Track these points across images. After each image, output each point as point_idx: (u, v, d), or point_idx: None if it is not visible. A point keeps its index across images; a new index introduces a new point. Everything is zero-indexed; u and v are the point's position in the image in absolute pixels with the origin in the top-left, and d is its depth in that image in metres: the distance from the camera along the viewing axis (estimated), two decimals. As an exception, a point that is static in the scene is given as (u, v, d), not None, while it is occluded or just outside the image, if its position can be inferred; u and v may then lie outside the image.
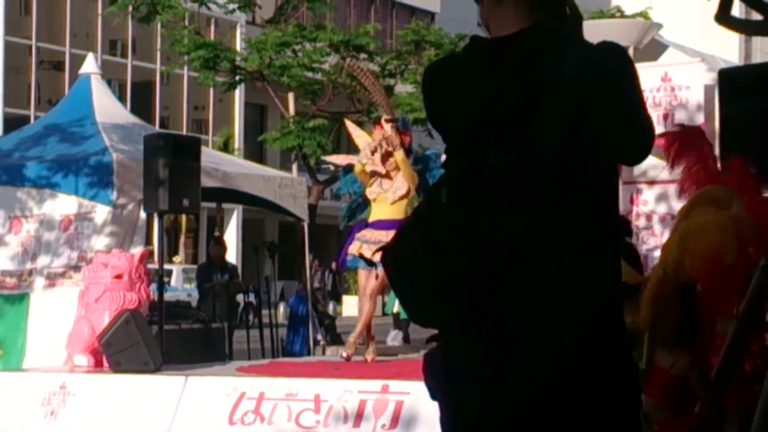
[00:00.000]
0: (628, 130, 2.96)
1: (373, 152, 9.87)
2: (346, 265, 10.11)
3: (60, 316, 11.17)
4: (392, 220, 9.62)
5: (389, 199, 9.78)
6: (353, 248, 9.81)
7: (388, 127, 9.84)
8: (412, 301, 3.05)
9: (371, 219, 9.97)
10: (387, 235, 9.54)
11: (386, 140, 9.74)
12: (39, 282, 12.03)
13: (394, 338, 20.04)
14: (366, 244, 9.69)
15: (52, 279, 11.98)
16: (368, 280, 9.85)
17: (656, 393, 4.90)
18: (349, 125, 11.31)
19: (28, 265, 12.19)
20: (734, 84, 7.27)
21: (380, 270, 9.81)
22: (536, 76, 2.97)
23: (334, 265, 29.59)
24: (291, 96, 25.67)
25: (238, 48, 29.49)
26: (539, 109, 2.94)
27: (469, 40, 3.19)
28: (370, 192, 9.91)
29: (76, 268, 11.48)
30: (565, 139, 2.93)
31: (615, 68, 2.98)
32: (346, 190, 10.96)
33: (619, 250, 3.12)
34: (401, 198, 9.78)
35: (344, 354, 10.01)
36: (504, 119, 2.97)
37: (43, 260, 12.10)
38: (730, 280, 4.93)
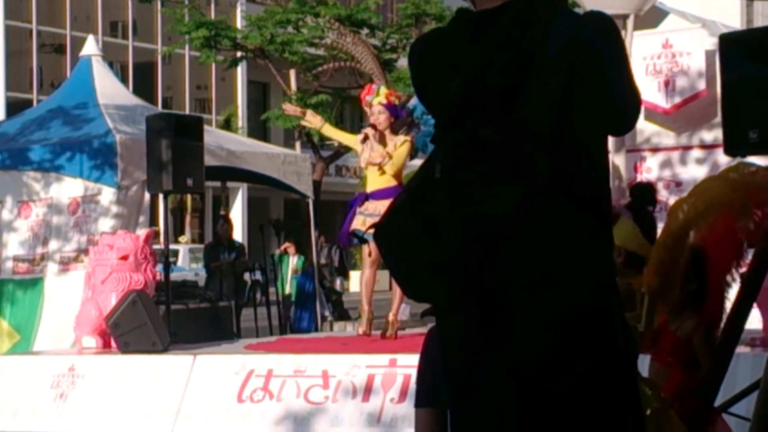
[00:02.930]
0: (612, 103, 2.96)
1: (364, 138, 9.68)
2: (358, 239, 9.82)
3: (74, 299, 11.18)
4: (390, 188, 9.45)
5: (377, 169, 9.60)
6: (357, 223, 9.63)
7: (376, 109, 9.65)
8: (407, 277, 3.05)
9: (369, 189, 9.71)
10: (387, 206, 9.40)
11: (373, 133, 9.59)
12: (52, 266, 12.07)
13: (401, 313, 20.04)
14: (369, 217, 9.46)
15: (65, 263, 12.02)
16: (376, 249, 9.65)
17: (667, 358, 4.91)
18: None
19: (40, 250, 12.21)
20: (735, 49, 7.24)
21: (372, 245, 9.70)
22: (524, 49, 2.97)
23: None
24: (293, 73, 25.63)
25: (238, 26, 29.43)
26: (529, 83, 2.94)
27: (456, 12, 3.18)
28: (363, 160, 9.74)
29: (87, 251, 11.49)
30: (555, 112, 2.93)
31: (600, 39, 2.97)
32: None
33: (610, 220, 3.13)
34: (378, 164, 9.53)
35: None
36: (493, 93, 2.97)
37: (54, 244, 12.13)
38: (740, 244, 4.93)
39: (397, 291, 9.56)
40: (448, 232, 2.93)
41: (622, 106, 2.98)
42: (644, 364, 3.88)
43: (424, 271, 2.98)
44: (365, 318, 9.83)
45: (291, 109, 10.08)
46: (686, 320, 4.91)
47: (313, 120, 10.14)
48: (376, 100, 9.69)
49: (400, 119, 9.76)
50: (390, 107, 9.67)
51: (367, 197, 9.68)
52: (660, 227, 5.40)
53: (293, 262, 17.85)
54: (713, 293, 5.00)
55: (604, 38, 2.98)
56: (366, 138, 9.58)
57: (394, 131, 9.69)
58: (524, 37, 2.97)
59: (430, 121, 9.78)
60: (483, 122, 2.95)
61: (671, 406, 4.75)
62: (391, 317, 9.79)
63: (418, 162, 10.06)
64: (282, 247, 17.87)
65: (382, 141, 9.58)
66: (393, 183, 9.55)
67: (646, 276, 4.83)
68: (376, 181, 9.63)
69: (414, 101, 9.92)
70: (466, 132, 2.97)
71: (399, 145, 9.58)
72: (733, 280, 5.14)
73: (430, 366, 5.49)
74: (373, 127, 9.61)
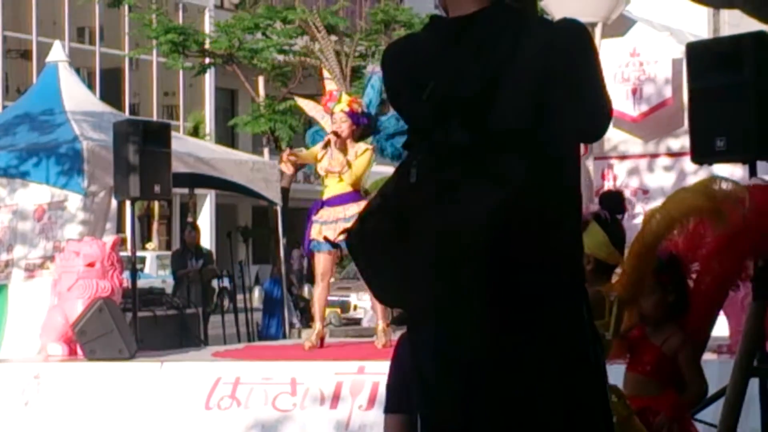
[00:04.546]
0: (585, 110, 2.98)
1: (325, 145, 9.58)
2: (311, 249, 9.77)
3: (39, 306, 11.11)
4: (346, 194, 9.42)
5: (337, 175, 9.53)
6: (314, 232, 9.53)
7: (338, 117, 9.53)
8: (379, 282, 3.04)
9: (326, 196, 9.59)
10: (344, 211, 9.43)
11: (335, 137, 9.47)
12: (17, 273, 11.98)
13: (370, 320, 20.04)
14: (324, 225, 9.43)
15: (31, 270, 11.94)
16: (326, 262, 9.66)
17: (647, 369, 4.92)
18: (300, 102, 10.99)
19: (4, 256, 12.13)
20: (702, 57, 7.29)
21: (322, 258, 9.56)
22: (497, 56, 2.97)
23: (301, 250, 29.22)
24: (261, 79, 25.61)
25: (207, 32, 29.37)
26: (503, 90, 2.94)
27: (429, 19, 3.19)
28: (321, 167, 9.56)
29: (53, 258, 11.42)
30: (529, 118, 2.93)
31: (574, 47, 2.99)
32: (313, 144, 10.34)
33: (580, 225, 3.13)
34: (338, 173, 9.41)
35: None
36: (467, 99, 2.97)
37: (19, 251, 12.04)
38: (731, 259, 4.95)
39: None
40: (422, 236, 2.92)
41: (594, 113, 3.00)
42: (611, 372, 3.87)
43: (397, 276, 2.96)
44: (315, 335, 9.71)
45: (288, 158, 9.92)
46: (672, 336, 4.91)
47: (292, 161, 9.91)
48: (338, 107, 9.57)
49: (361, 126, 9.63)
50: (352, 115, 9.53)
51: (323, 204, 9.60)
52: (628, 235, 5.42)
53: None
54: (697, 308, 5.01)
55: (578, 46, 3.00)
56: (327, 144, 9.54)
57: (355, 139, 9.57)
58: (497, 44, 2.98)
59: (382, 123, 9.73)
60: (458, 127, 2.95)
61: (670, 428, 4.78)
62: (381, 326, 9.58)
63: (377, 168, 10.04)
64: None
65: (343, 149, 9.47)
66: (349, 190, 9.47)
67: (617, 284, 4.84)
68: (333, 188, 9.55)
69: (364, 101, 9.80)
70: (441, 137, 2.97)
71: (360, 153, 9.48)
72: (726, 294, 5.17)
73: (401, 371, 5.48)
74: (336, 134, 9.55)
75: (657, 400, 4.87)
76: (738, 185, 4.93)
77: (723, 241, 4.87)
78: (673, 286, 4.94)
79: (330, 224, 9.36)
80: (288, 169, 9.95)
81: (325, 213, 9.49)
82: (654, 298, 4.92)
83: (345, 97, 9.71)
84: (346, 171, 9.43)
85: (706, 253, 4.95)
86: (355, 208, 9.31)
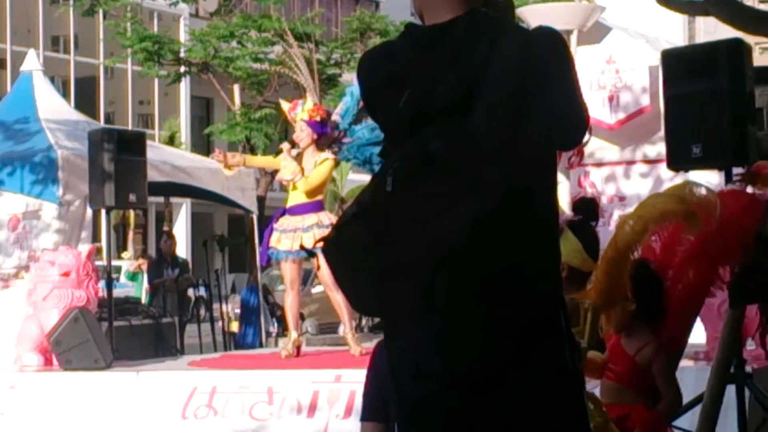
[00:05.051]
0: (561, 118, 2.97)
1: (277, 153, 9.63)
2: (272, 257, 9.75)
3: (14, 316, 11.03)
4: (307, 204, 9.40)
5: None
6: (273, 240, 9.49)
7: (298, 126, 9.52)
8: (356, 291, 3.02)
9: (288, 204, 9.55)
10: (302, 221, 9.43)
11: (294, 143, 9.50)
12: (-8, 283, 11.92)
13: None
14: (284, 233, 9.42)
15: (5, 280, 11.88)
16: (292, 270, 9.63)
17: (623, 379, 4.91)
18: (284, 105, 10.98)
19: (-22, 267, 12.09)
20: (678, 65, 7.31)
21: (290, 266, 9.54)
22: (473, 65, 2.97)
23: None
24: (236, 88, 25.59)
25: (182, 41, 29.33)
26: (479, 98, 2.93)
27: (404, 27, 3.18)
28: (278, 177, 9.64)
29: (28, 267, 11.36)
30: (506, 127, 2.93)
31: (550, 55, 2.98)
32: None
33: (557, 233, 3.13)
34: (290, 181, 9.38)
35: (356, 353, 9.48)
36: (443, 107, 2.96)
37: (-6, 261, 12.00)
38: (706, 268, 4.95)
39: (344, 306, 9.41)
40: (399, 245, 2.91)
41: (570, 121, 3.00)
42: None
43: (374, 285, 2.95)
44: (291, 343, 9.69)
45: (217, 156, 10.02)
46: (646, 346, 4.88)
47: (233, 160, 9.96)
48: (299, 116, 9.51)
49: (326, 135, 9.49)
50: (312, 124, 9.44)
51: (284, 212, 9.59)
52: (602, 241, 5.41)
53: (147, 280, 16.72)
54: (673, 316, 5.00)
55: (554, 54, 2.99)
56: (280, 152, 9.57)
57: (320, 148, 9.47)
58: (473, 52, 2.97)
59: (355, 132, 9.67)
60: (434, 136, 2.94)
61: None
62: (350, 335, 9.61)
63: (354, 176, 10.01)
64: (136, 264, 17.51)
65: (300, 158, 9.45)
66: (306, 200, 9.40)
67: (591, 291, 4.84)
68: (293, 197, 9.52)
69: (340, 109, 9.75)
70: (417, 145, 2.96)
71: (319, 163, 9.42)
72: (701, 302, 5.16)
73: (378, 380, 5.47)
74: (291, 143, 9.53)
75: (635, 409, 4.86)
76: (710, 191, 4.94)
77: (696, 248, 4.88)
78: (637, 295, 4.89)
79: (289, 233, 9.37)
80: (228, 171, 10.03)
81: (285, 221, 9.49)
82: (621, 307, 4.89)
83: (308, 105, 9.64)
84: (299, 179, 9.40)
85: (679, 260, 4.96)
86: (313, 218, 9.33)
